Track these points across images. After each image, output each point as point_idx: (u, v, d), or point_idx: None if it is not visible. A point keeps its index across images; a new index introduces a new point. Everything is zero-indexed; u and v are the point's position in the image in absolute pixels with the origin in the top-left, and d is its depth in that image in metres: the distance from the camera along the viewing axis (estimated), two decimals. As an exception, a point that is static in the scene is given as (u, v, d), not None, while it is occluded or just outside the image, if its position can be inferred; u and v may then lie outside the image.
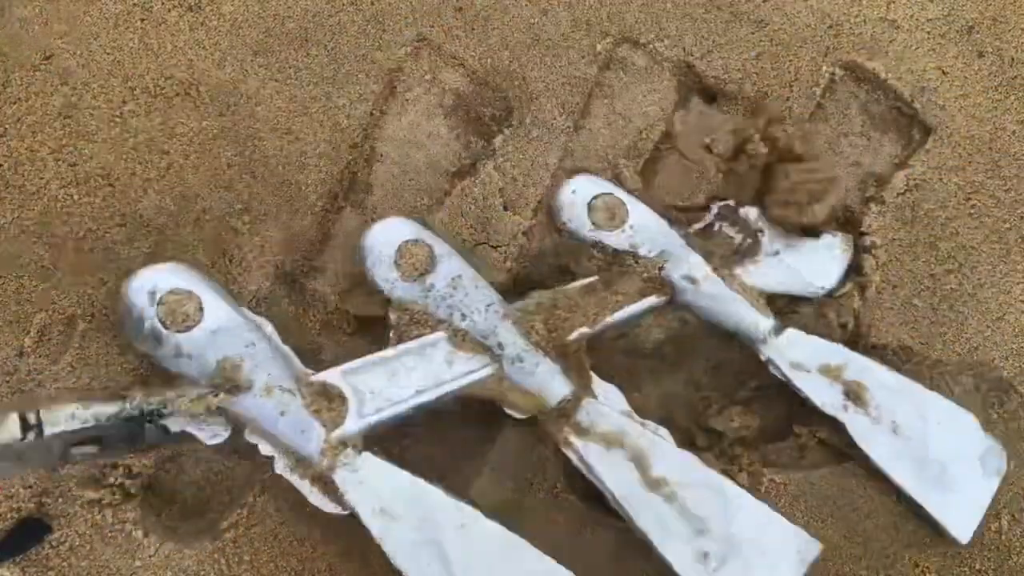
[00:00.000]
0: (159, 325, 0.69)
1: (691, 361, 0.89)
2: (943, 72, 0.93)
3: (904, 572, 0.83)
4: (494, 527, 0.72)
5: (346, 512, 0.71)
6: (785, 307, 0.87)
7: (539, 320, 0.78)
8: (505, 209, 0.84)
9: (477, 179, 0.84)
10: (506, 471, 0.82)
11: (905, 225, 0.89)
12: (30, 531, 0.72)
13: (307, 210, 0.82)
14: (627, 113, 0.89)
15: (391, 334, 0.76)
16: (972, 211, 0.91)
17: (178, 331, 0.69)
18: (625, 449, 0.76)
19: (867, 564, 0.83)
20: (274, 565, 0.76)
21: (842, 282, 0.87)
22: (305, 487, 0.71)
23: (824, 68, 0.92)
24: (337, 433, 0.71)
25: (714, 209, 0.86)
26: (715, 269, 0.83)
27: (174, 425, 0.70)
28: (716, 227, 0.86)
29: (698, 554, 0.75)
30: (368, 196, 0.84)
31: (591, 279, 0.82)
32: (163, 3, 0.82)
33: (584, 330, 0.79)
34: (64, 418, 0.67)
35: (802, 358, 0.82)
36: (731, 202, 0.86)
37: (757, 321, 0.83)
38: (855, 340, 0.88)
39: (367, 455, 0.72)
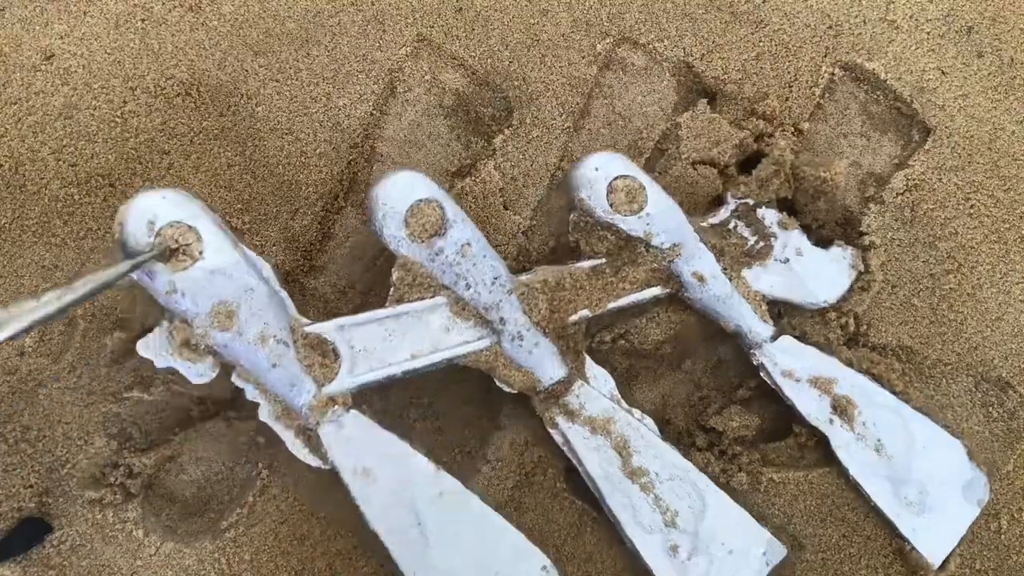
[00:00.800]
0: (158, 249, 0.65)
1: (691, 361, 0.89)
2: (943, 72, 0.93)
3: (903, 572, 0.83)
4: (473, 500, 0.73)
5: (327, 467, 0.71)
6: (786, 305, 0.87)
7: (543, 299, 0.77)
8: (505, 209, 0.85)
9: (477, 179, 0.84)
10: (506, 470, 0.82)
11: (905, 225, 0.90)
12: (31, 530, 0.72)
13: (307, 210, 0.82)
14: (627, 113, 0.89)
15: (391, 292, 0.74)
16: (971, 211, 0.91)
17: (174, 267, 0.66)
18: (610, 436, 0.77)
19: (866, 564, 0.83)
20: (274, 564, 0.76)
21: (844, 297, 0.87)
22: (289, 437, 0.71)
23: (824, 68, 0.92)
24: (328, 389, 0.70)
25: (731, 203, 0.85)
26: (724, 269, 0.82)
27: (161, 360, 0.68)
28: (732, 225, 0.85)
29: (667, 546, 0.76)
30: (363, 202, 0.84)
31: (599, 261, 0.80)
32: (163, 3, 0.82)
33: (585, 313, 0.79)
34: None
35: (794, 367, 0.83)
36: (749, 200, 0.85)
37: (756, 326, 0.83)
38: (855, 340, 0.88)
39: (355, 413, 0.71)
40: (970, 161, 0.92)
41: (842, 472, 0.83)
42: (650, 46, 0.89)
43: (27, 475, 0.74)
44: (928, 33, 0.94)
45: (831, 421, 0.82)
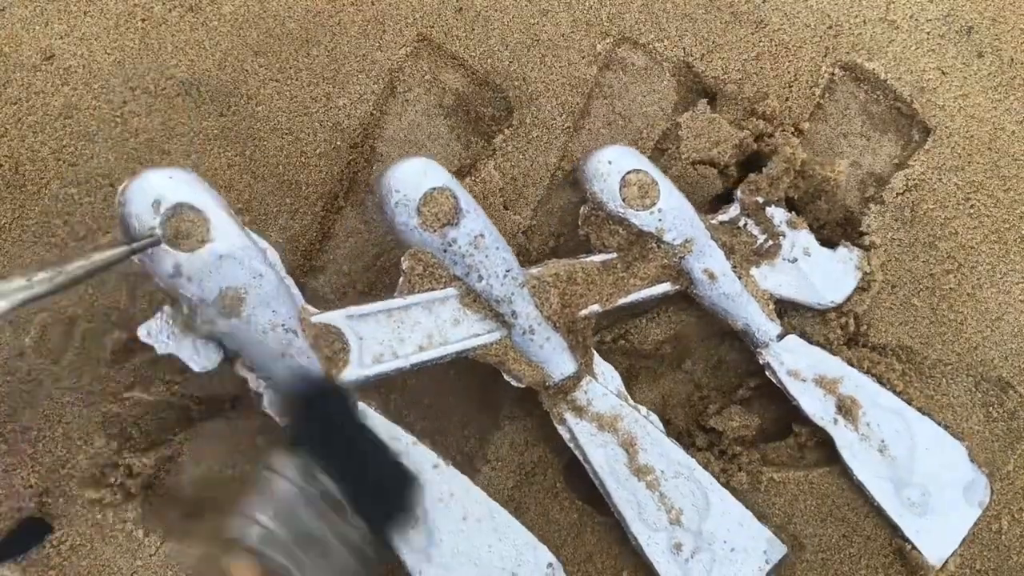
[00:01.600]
0: (160, 238, 0.61)
1: (691, 361, 0.89)
2: (943, 72, 0.93)
3: (903, 572, 0.83)
4: (479, 495, 0.72)
5: None
6: (787, 305, 0.87)
7: (555, 293, 0.76)
8: (505, 208, 0.84)
9: (477, 179, 0.84)
10: (506, 470, 0.82)
11: (905, 225, 0.90)
12: (31, 531, 0.72)
13: (307, 210, 0.82)
14: (627, 113, 0.89)
15: (401, 281, 0.72)
16: (971, 211, 0.91)
17: (180, 250, 0.62)
18: (617, 433, 0.77)
19: (866, 564, 0.83)
20: (274, 565, 0.76)
21: (849, 298, 0.87)
22: None
23: (824, 68, 0.92)
24: (336, 380, 0.68)
25: (739, 195, 0.85)
26: (733, 267, 0.82)
27: (162, 347, 0.65)
28: (742, 223, 0.84)
29: (671, 543, 0.76)
30: (368, 196, 0.84)
31: (610, 256, 0.80)
32: (163, 3, 0.82)
33: (596, 308, 0.78)
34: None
35: (800, 367, 0.83)
36: (759, 199, 0.84)
37: (764, 325, 0.82)
38: (855, 340, 0.88)
39: (362, 406, 0.69)
40: (970, 161, 0.92)
41: (842, 472, 0.83)
42: (650, 46, 0.89)
43: (27, 475, 0.74)
44: (928, 33, 0.94)
45: (835, 421, 0.82)
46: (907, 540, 0.82)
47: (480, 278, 0.73)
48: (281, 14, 0.84)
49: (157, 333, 0.65)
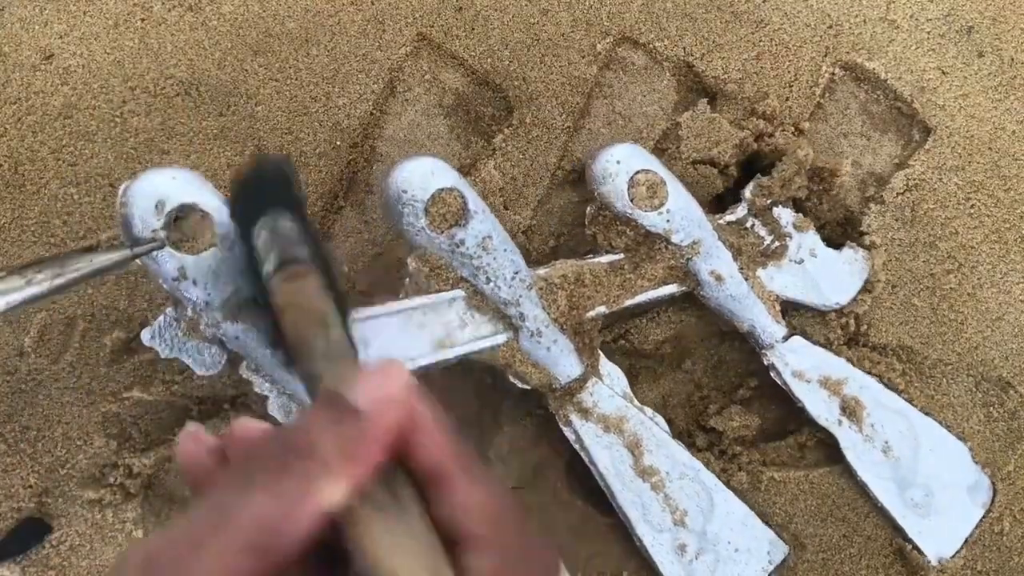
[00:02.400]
0: (164, 242, 0.60)
1: (691, 361, 0.89)
2: (943, 72, 0.93)
3: (903, 572, 0.83)
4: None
5: None
6: (788, 305, 0.87)
7: (563, 295, 0.75)
8: (505, 208, 0.84)
9: (477, 178, 0.84)
10: (506, 470, 0.82)
11: (905, 225, 0.90)
12: (30, 531, 0.72)
13: (307, 210, 0.82)
14: (627, 113, 0.89)
15: (406, 282, 0.71)
16: (972, 211, 0.91)
17: (185, 251, 0.60)
18: (623, 434, 0.77)
19: (867, 564, 0.83)
20: (274, 565, 0.76)
21: (854, 300, 0.87)
22: None
23: (824, 68, 0.92)
24: None
25: (747, 196, 0.84)
26: (740, 268, 0.82)
27: (166, 350, 0.63)
28: (749, 224, 0.84)
29: (675, 544, 0.76)
30: (368, 196, 0.84)
31: (617, 257, 0.79)
32: (163, 3, 0.82)
33: (602, 309, 0.77)
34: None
35: (805, 368, 0.82)
36: (766, 199, 0.84)
37: (770, 326, 0.82)
38: (855, 340, 0.88)
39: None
40: (970, 161, 0.92)
41: (843, 472, 0.83)
42: (650, 46, 0.89)
43: (26, 475, 0.74)
44: (928, 33, 0.94)
45: (840, 423, 0.82)
46: (909, 541, 0.82)
47: (488, 280, 0.72)
48: (281, 14, 0.84)
49: (160, 336, 0.64)
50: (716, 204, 0.88)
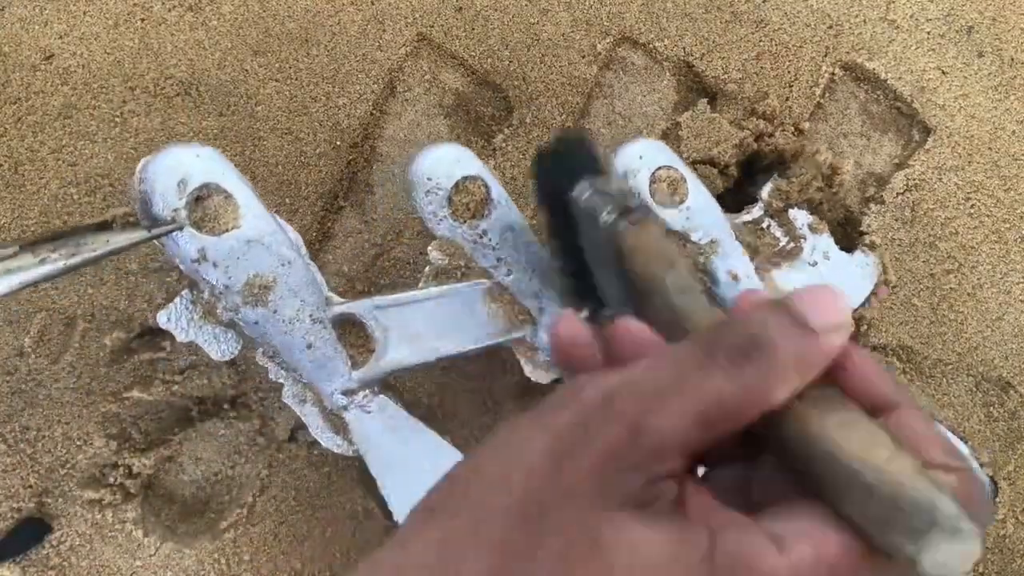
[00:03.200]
0: (184, 222, 0.58)
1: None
2: (943, 72, 0.93)
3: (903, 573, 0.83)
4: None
5: (351, 453, 0.67)
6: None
7: None
8: (505, 209, 0.85)
9: (477, 179, 0.84)
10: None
11: (905, 225, 0.90)
12: (30, 531, 0.72)
13: (307, 210, 0.82)
14: (627, 113, 0.89)
15: (427, 271, 0.70)
16: (972, 211, 0.91)
17: (206, 233, 0.58)
18: None
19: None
20: (274, 565, 0.76)
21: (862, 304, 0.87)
22: (313, 421, 0.67)
23: (824, 68, 0.92)
24: (360, 373, 0.66)
25: (764, 197, 0.83)
26: (756, 269, 0.81)
27: (182, 334, 0.62)
28: (766, 224, 0.84)
29: None
30: (368, 196, 0.84)
31: None
32: (163, 3, 0.82)
33: None
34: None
35: None
36: (781, 201, 0.84)
37: None
38: (855, 339, 0.88)
39: (383, 398, 0.67)
40: (970, 161, 0.92)
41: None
42: (650, 46, 0.89)
43: (26, 475, 0.74)
44: (928, 33, 0.94)
45: None
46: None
47: (510, 272, 0.71)
48: (281, 14, 0.84)
49: (177, 320, 0.62)
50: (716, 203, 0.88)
